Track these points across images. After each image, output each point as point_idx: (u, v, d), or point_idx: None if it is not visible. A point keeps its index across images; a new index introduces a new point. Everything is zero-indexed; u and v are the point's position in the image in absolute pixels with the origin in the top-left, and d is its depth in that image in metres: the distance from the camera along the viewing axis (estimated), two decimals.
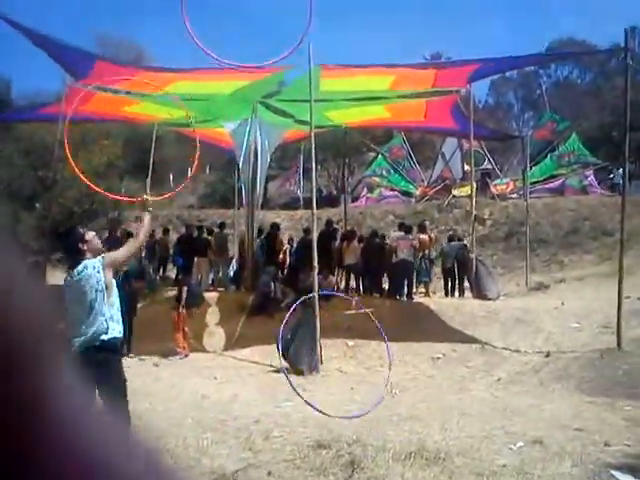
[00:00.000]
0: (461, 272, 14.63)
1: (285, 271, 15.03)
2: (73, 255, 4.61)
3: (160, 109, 15.19)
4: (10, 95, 42.11)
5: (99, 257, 4.53)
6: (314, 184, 11.09)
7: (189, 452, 5.25)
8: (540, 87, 41.31)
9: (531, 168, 25.36)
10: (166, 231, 18.61)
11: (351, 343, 11.12)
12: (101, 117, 17.26)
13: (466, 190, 21.13)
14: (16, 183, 27.28)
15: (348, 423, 6.46)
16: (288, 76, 14.05)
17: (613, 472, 4.81)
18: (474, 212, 14.44)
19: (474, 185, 16.29)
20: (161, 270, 17.37)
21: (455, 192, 23.77)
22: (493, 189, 24.66)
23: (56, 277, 15.26)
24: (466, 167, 23.62)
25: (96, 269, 4.42)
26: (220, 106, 14.87)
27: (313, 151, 10.69)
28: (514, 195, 24.44)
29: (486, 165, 26.39)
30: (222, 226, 17.46)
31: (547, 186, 25.32)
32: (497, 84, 50.84)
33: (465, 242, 15.49)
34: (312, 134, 10.54)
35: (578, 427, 6.35)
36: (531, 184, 24.16)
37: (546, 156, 26.94)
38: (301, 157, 28.17)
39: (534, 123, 39.02)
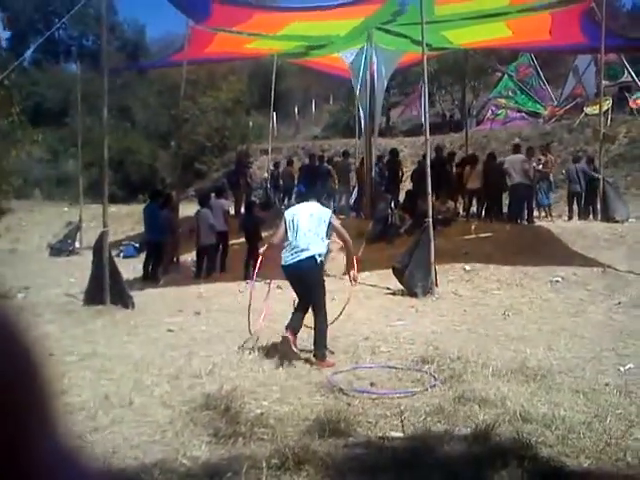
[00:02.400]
0: (587, 195, 14.00)
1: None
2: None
3: (279, 43, 15.51)
4: (144, 39, 44.49)
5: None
6: (426, 110, 10.97)
7: (300, 363, 5.75)
8: None
9: None
10: (290, 162, 19.19)
11: (468, 267, 11.14)
12: (225, 56, 17.91)
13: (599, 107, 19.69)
14: (152, 123, 29.14)
15: (455, 341, 6.69)
16: (402, 3, 13.69)
17: None
18: (602, 130, 13.59)
19: (607, 101, 15.21)
20: (286, 199, 18.05)
21: (587, 110, 22.14)
22: (632, 104, 22.66)
23: (191, 209, 16.42)
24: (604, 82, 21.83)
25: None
26: (337, 42, 14.96)
27: (425, 76, 10.52)
28: None
29: (625, 78, 24.18)
30: (345, 154, 17.68)
31: None
32: None
33: (582, 165, 14.63)
34: (424, 58, 10.35)
35: None
36: None
37: None
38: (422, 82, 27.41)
39: None
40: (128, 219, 18.72)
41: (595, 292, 9.37)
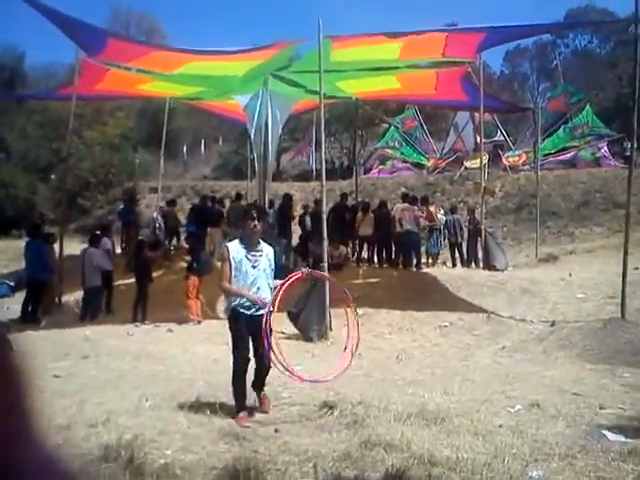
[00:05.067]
0: (469, 244, 14.87)
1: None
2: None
3: (173, 86, 15.34)
4: (23, 67, 42.29)
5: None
6: (323, 156, 11.19)
7: (203, 410, 5.53)
8: (556, 57, 40.50)
9: (544, 140, 25.23)
10: (172, 202, 18.74)
11: (361, 312, 11.31)
12: (116, 94, 17.44)
13: (478, 162, 21.15)
14: (31, 155, 27.63)
15: (354, 386, 6.72)
16: (299, 50, 14.07)
17: (604, 432, 5.01)
18: (483, 184, 14.53)
19: (485, 157, 16.29)
20: (174, 240, 17.61)
21: (467, 164, 23.72)
22: (505, 161, 24.58)
23: (73, 247, 15.59)
24: (478, 138, 23.56)
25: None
26: (232, 83, 15.02)
27: (322, 122, 10.81)
28: (526, 167, 24.32)
29: (498, 137, 26.30)
30: (238, 197, 17.57)
31: (559, 158, 25.22)
32: (512, 54, 49.82)
33: (458, 216, 15.58)
34: (321, 105, 10.66)
35: (576, 392, 6.53)
36: (543, 156, 24.07)
37: (559, 128, 26.77)
38: (313, 128, 28.14)
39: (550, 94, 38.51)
40: (1, 255, 17.49)
41: (481, 337, 9.84)
